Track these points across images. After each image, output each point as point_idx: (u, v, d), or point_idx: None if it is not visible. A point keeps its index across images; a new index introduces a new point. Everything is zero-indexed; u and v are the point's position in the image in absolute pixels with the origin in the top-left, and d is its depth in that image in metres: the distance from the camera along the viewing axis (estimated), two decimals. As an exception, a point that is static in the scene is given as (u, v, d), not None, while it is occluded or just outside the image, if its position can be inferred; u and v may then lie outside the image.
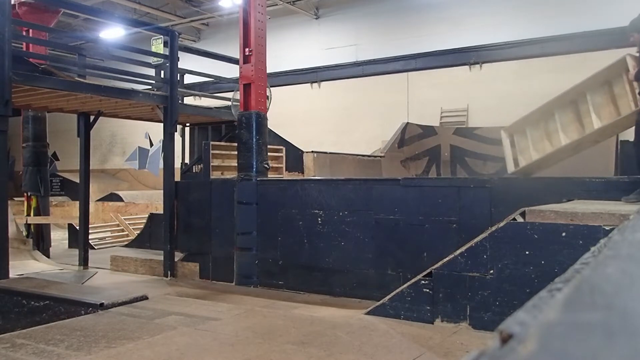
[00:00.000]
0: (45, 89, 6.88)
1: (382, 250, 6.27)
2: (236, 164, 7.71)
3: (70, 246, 11.16)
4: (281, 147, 9.61)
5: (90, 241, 9.87)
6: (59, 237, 12.05)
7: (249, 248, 7.30)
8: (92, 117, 8.70)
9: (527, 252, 4.27)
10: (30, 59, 7.34)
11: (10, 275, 6.49)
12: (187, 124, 10.09)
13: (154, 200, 13.62)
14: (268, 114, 7.87)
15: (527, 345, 0.52)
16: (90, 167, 9.16)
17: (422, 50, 15.20)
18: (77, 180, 9.58)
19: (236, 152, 7.69)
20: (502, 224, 4.44)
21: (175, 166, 8.32)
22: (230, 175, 8.30)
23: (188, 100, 11.80)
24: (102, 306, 5.01)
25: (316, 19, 17.27)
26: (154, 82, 8.64)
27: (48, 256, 9.50)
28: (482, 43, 14.34)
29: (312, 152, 10.34)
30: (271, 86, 8.47)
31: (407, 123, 13.52)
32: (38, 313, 5.36)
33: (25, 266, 8.36)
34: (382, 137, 14.09)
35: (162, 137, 8.42)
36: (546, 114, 6.78)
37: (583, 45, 12.53)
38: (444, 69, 15.02)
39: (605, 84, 6.17)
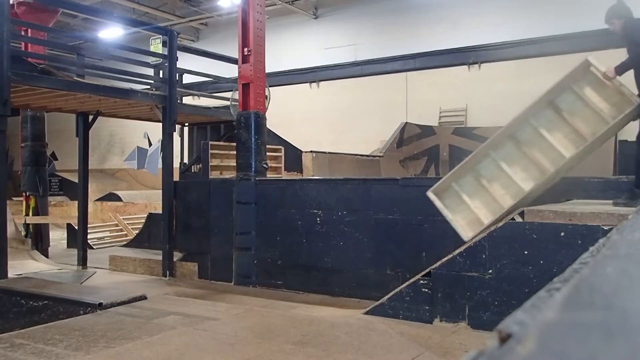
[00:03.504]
0: (44, 89, 6.87)
1: (381, 250, 6.27)
2: (235, 164, 7.71)
3: (69, 246, 11.15)
4: (280, 146, 9.60)
5: (89, 241, 9.86)
6: (57, 237, 12.03)
7: (248, 248, 7.29)
8: (90, 117, 8.69)
9: (525, 252, 4.27)
10: (29, 59, 7.33)
11: (9, 275, 6.48)
12: (186, 124, 10.09)
13: (152, 200, 13.59)
14: (267, 114, 7.87)
15: (526, 345, 0.52)
16: (89, 167, 9.15)
17: (421, 50, 15.20)
18: (76, 180, 9.56)
19: (235, 152, 7.69)
20: (500, 224, 4.44)
21: (174, 166, 8.32)
22: (229, 175, 8.29)
23: (187, 100, 11.78)
24: (100, 306, 5.01)
25: (315, 18, 17.27)
26: (152, 81, 8.63)
27: (47, 256, 9.48)
28: (481, 43, 14.35)
29: (311, 151, 10.33)
30: (270, 86, 8.46)
31: (406, 123, 13.52)
32: (37, 313, 5.35)
33: (24, 266, 8.35)
34: (381, 137, 14.09)
35: (160, 137, 8.42)
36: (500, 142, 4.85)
37: (582, 45, 12.49)
38: (443, 69, 15.02)
39: (568, 89, 4.72)
